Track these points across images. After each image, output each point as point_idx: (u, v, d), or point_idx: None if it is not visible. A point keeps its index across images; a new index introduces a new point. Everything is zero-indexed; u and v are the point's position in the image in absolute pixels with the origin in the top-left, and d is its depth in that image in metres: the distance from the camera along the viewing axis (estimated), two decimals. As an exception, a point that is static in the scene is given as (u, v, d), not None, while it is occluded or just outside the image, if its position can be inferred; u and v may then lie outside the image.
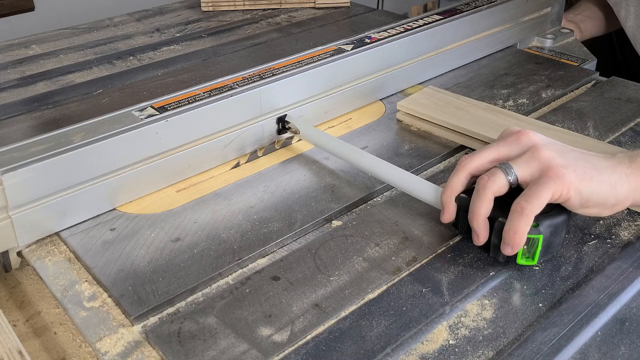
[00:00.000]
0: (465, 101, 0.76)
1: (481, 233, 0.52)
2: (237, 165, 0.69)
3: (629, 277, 0.52)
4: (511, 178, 0.50)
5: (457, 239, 0.56)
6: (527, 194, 0.49)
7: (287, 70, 0.73)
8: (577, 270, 0.53)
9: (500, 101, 0.80)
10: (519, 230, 0.49)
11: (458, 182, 0.53)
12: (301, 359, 0.45)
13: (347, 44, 0.80)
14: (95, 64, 0.95)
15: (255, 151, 0.71)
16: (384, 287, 0.51)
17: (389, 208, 0.61)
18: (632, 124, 0.74)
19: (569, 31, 1.02)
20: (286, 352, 0.45)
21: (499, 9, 0.93)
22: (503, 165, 0.51)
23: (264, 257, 0.55)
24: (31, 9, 1.31)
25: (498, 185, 0.50)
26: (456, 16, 0.91)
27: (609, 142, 0.71)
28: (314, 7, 1.21)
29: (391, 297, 0.50)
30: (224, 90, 0.68)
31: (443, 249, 0.55)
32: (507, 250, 0.50)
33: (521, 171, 0.50)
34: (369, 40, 0.81)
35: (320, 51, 0.78)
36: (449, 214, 0.54)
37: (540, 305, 0.49)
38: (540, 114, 0.78)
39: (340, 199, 0.62)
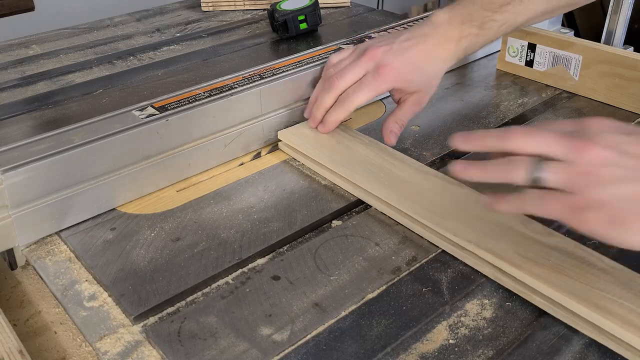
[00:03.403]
0: (352, 135, 0.70)
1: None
2: (237, 165, 0.69)
3: (629, 277, 0.52)
4: (534, 178, 0.44)
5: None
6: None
7: (287, 70, 0.73)
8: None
9: (501, 101, 0.81)
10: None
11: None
12: (301, 358, 0.45)
13: (347, 44, 0.80)
14: (95, 64, 0.95)
15: (255, 151, 0.71)
16: (384, 287, 0.51)
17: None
18: (632, 124, 0.74)
19: (568, 31, 1.02)
20: (286, 351, 0.45)
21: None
22: (536, 162, 0.45)
23: (264, 256, 0.55)
24: (31, 9, 1.31)
25: (516, 175, 0.45)
26: (456, 16, 0.91)
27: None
28: (314, 7, 1.20)
29: (391, 296, 0.50)
30: (224, 90, 0.68)
31: (443, 249, 0.55)
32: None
33: (552, 179, 0.44)
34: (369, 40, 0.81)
35: (320, 51, 0.78)
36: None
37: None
38: (540, 113, 0.78)
39: (340, 199, 0.62)
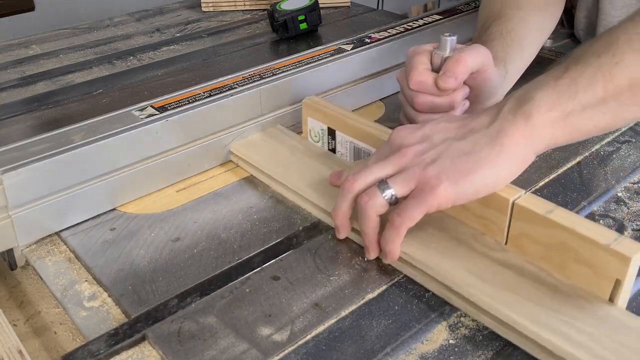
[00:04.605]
0: (304, 146, 0.67)
1: (372, 250, 0.53)
2: (238, 164, 0.69)
3: (629, 277, 0.52)
4: (388, 198, 0.50)
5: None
6: (402, 208, 0.49)
7: (287, 70, 0.73)
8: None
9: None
10: (390, 241, 0.50)
11: (346, 206, 0.53)
12: (301, 358, 0.45)
13: (347, 44, 0.80)
14: (95, 63, 0.95)
15: (255, 151, 0.71)
16: (384, 287, 0.51)
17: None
18: (632, 124, 0.74)
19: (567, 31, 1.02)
20: (286, 351, 0.45)
21: (499, 9, 0.93)
22: (381, 185, 0.50)
23: (263, 256, 0.55)
24: (31, 9, 1.31)
25: (377, 205, 0.50)
26: (456, 16, 0.91)
27: (609, 142, 0.71)
28: (314, 7, 1.20)
29: (391, 296, 0.50)
30: (224, 90, 0.68)
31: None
32: (383, 257, 0.52)
33: (399, 190, 0.50)
34: (369, 40, 0.81)
35: (320, 51, 0.78)
36: (345, 233, 0.55)
37: (540, 305, 0.49)
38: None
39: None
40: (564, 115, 0.50)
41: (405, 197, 0.50)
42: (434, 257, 0.51)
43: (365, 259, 0.53)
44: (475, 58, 0.63)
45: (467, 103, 0.66)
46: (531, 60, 0.75)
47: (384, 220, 0.51)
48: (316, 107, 0.67)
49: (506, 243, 0.52)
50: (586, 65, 0.51)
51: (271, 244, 0.56)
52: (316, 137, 0.68)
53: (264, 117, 0.70)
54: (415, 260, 0.51)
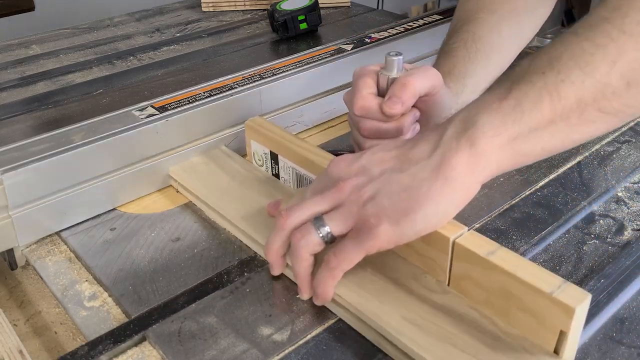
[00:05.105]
0: (247, 170, 0.64)
1: (304, 291, 0.49)
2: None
3: (629, 277, 0.52)
4: (323, 235, 0.47)
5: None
6: (339, 249, 0.46)
7: (287, 70, 0.73)
8: (577, 270, 0.53)
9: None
10: (324, 283, 0.47)
11: (279, 243, 0.49)
12: (301, 358, 0.45)
13: (347, 44, 0.80)
14: (95, 63, 0.95)
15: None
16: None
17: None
18: (632, 124, 0.74)
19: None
20: (286, 351, 0.45)
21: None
22: (316, 221, 0.47)
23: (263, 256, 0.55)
24: (31, 9, 1.31)
25: (311, 244, 0.47)
26: (456, 16, 0.91)
27: (609, 142, 0.71)
28: (314, 7, 1.20)
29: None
30: (224, 90, 0.68)
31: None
32: (316, 300, 0.49)
33: (335, 227, 0.47)
34: (369, 40, 0.81)
35: (320, 51, 0.78)
36: (278, 270, 0.52)
37: (540, 305, 0.49)
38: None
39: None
40: (510, 140, 0.45)
41: (342, 236, 0.47)
42: (369, 302, 0.47)
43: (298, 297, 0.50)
44: (423, 81, 0.58)
45: (418, 126, 0.61)
46: (501, 72, 0.68)
47: (319, 258, 0.48)
48: (259, 130, 0.63)
49: (448, 284, 0.48)
50: (530, 84, 0.46)
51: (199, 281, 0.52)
52: (259, 160, 0.64)
53: (263, 117, 0.70)
54: (349, 304, 0.47)
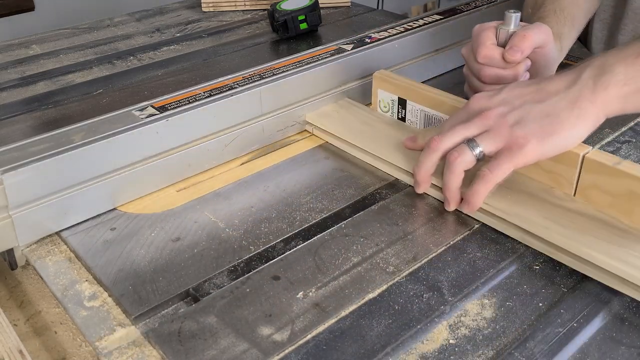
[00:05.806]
0: (375, 116, 0.74)
1: (452, 202, 0.58)
2: (237, 165, 0.69)
3: (629, 277, 0.52)
4: (477, 154, 0.56)
5: (457, 238, 0.56)
6: (492, 164, 0.55)
7: (287, 70, 0.73)
8: (576, 270, 0.53)
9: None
10: (478, 192, 0.56)
11: (430, 163, 0.59)
12: (301, 358, 0.45)
13: (347, 44, 0.80)
14: (95, 64, 0.95)
15: (256, 151, 0.71)
16: (384, 287, 0.51)
17: (389, 208, 0.61)
18: (632, 124, 0.74)
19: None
20: (286, 351, 0.45)
21: (499, 9, 0.93)
22: (470, 143, 0.56)
23: (263, 256, 0.55)
24: (31, 9, 1.31)
25: (466, 161, 0.56)
26: (456, 16, 0.91)
27: (609, 142, 0.71)
28: (314, 7, 1.20)
29: (391, 296, 0.50)
30: (224, 90, 0.68)
31: (443, 248, 0.55)
32: (465, 208, 0.58)
33: (487, 147, 0.56)
34: (369, 40, 0.81)
35: (320, 51, 0.78)
36: (424, 188, 0.61)
37: (540, 305, 0.49)
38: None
39: (340, 199, 0.62)
40: (636, 90, 0.56)
41: (491, 156, 0.56)
42: (513, 207, 0.56)
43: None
44: (538, 35, 0.70)
45: (527, 75, 0.72)
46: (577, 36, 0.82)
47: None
48: (387, 79, 0.73)
49: (574, 195, 0.58)
50: None
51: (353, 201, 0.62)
52: (385, 107, 0.75)
53: (264, 117, 0.70)
54: (495, 209, 0.56)
